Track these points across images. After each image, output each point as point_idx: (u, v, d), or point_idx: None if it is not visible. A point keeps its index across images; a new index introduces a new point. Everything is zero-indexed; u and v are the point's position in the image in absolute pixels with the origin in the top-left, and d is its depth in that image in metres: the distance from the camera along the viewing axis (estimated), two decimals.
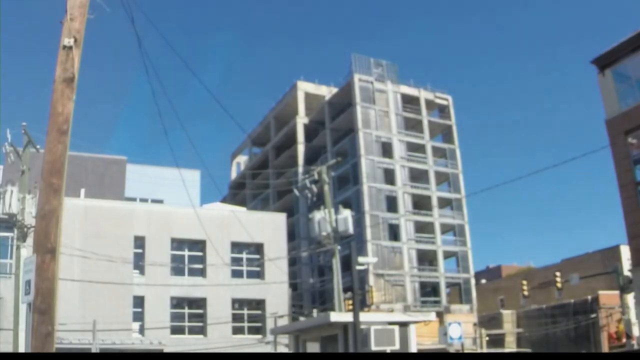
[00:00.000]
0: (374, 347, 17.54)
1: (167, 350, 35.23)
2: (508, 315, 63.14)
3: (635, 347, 34.66)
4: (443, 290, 65.37)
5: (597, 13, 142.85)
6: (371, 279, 58.23)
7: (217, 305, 38.64)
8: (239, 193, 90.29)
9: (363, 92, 67.98)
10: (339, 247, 27.23)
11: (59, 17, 8.49)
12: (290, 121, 77.28)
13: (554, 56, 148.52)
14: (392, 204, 65.35)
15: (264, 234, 41.26)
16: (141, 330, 36.95)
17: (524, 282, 42.23)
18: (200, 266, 39.58)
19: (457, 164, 70.60)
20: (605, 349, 49.09)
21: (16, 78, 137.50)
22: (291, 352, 23.73)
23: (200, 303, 39.04)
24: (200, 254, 39.73)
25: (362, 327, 17.80)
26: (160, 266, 37.55)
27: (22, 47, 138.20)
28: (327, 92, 75.63)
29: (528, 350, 54.43)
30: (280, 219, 44.25)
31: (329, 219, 26.84)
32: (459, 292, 67.35)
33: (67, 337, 30.32)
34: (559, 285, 39.36)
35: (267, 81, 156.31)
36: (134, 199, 48.60)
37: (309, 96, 76.61)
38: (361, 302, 22.10)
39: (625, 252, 41.78)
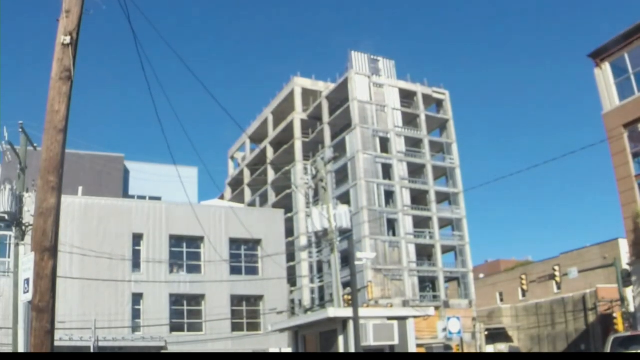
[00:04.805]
0: (373, 342, 17.55)
1: (167, 346, 35.27)
2: (507, 310, 63.26)
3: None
4: (442, 285, 65.40)
5: (593, 6, 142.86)
6: (370, 274, 58.25)
7: (216, 301, 38.64)
8: (237, 189, 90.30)
9: (360, 87, 67.91)
10: (337, 243, 27.14)
11: (56, 14, 8.45)
12: (288, 117, 77.19)
13: (550, 50, 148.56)
14: (390, 199, 65.38)
15: (262, 230, 41.23)
16: (140, 328, 36.93)
17: (523, 276, 42.27)
18: (199, 263, 39.55)
19: (455, 159, 70.60)
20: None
21: (14, 76, 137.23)
22: (291, 347, 23.75)
23: (199, 300, 39.03)
24: (198, 250, 39.71)
25: (361, 322, 17.77)
26: (158, 263, 37.54)
27: (20, 45, 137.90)
28: (324, 87, 75.52)
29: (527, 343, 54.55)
30: (278, 214, 44.23)
31: (327, 215, 26.76)
32: (457, 287, 67.43)
33: (67, 335, 30.36)
34: (557, 279, 39.44)
35: (264, 77, 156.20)
36: (132, 196, 48.55)
37: (306, 92, 76.50)
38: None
39: (624, 246, 41.88)
